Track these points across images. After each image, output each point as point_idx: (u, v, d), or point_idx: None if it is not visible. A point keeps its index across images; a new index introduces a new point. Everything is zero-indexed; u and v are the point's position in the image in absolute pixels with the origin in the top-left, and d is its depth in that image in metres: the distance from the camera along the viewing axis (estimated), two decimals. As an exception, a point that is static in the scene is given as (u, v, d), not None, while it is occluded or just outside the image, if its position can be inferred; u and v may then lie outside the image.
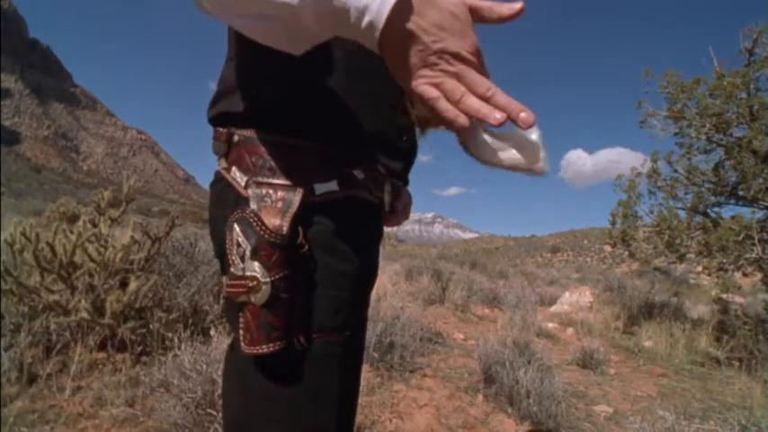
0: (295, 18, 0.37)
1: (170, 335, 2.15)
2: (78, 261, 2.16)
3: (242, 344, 0.50)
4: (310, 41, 0.42)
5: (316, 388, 0.53)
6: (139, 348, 2.14)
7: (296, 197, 0.52)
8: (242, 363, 0.53)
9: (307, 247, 0.52)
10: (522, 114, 0.37)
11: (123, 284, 2.23)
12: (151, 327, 2.17)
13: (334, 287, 0.54)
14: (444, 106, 0.38)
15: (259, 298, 0.48)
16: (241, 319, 0.50)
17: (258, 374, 0.51)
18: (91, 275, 2.17)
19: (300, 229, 0.52)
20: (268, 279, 0.48)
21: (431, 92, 0.39)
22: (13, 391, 1.71)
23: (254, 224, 0.49)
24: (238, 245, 0.49)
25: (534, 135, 0.43)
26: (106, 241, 2.27)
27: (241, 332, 0.50)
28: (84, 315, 1.97)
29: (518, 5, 0.41)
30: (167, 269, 2.63)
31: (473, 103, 0.38)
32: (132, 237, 2.34)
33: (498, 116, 0.37)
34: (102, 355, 2.08)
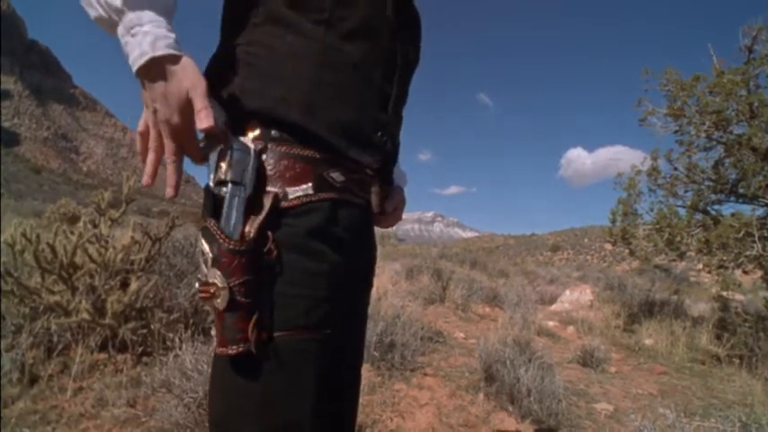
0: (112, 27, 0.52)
1: (171, 335, 2.15)
2: (79, 262, 2.16)
3: (216, 345, 0.53)
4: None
5: (288, 384, 0.54)
6: (140, 349, 2.14)
7: (265, 202, 0.54)
8: (221, 362, 0.55)
9: (276, 252, 0.54)
10: (168, 189, 0.53)
11: (124, 285, 2.24)
12: (152, 327, 2.17)
13: (306, 286, 0.56)
14: (140, 141, 0.55)
15: (219, 303, 0.50)
16: (214, 323, 0.53)
17: (234, 372, 0.54)
18: (91, 276, 2.17)
19: (270, 233, 0.53)
20: (226, 285, 0.50)
21: (141, 125, 0.54)
22: (14, 392, 1.71)
23: (215, 234, 0.51)
24: (203, 253, 0.52)
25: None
26: (107, 242, 2.27)
27: (214, 334, 0.53)
28: (85, 316, 1.97)
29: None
30: (168, 269, 2.63)
31: (150, 158, 0.53)
32: (133, 237, 2.34)
33: (147, 179, 0.54)
34: (103, 355, 2.08)
